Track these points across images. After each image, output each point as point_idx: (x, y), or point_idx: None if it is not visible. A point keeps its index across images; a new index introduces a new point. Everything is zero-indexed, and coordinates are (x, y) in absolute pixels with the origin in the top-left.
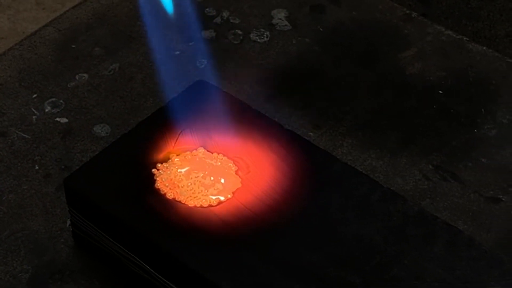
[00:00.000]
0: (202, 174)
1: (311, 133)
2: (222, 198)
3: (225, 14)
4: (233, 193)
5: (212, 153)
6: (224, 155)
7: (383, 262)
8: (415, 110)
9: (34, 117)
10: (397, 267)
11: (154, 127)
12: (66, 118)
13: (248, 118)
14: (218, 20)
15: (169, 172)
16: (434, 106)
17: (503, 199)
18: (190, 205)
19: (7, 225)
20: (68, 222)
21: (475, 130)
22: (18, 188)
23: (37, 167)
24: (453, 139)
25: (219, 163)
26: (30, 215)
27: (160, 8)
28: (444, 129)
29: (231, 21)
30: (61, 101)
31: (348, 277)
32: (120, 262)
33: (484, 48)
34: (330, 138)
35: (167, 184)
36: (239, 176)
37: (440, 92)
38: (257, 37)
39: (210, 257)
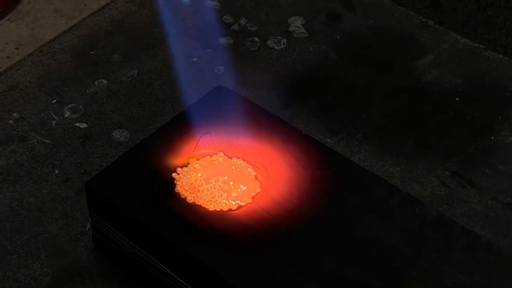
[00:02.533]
0: (222, 179)
1: (328, 140)
2: (241, 203)
3: (243, 21)
4: (252, 197)
5: (231, 158)
6: (243, 160)
7: (402, 265)
8: (432, 117)
9: (53, 122)
10: (416, 270)
11: (174, 132)
12: (86, 123)
13: (267, 123)
14: (235, 27)
15: (189, 176)
16: (451, 113)
17: None
18: (210, 209)
19: (27, 228)
20: (88, 225)
21: (492, 137)
22: (38, 192)
23: (57, 172)
24: (470, 146)
25: (239, 168)
26: (50, 218)
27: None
28: (461, 135)
29: (249, 28)
30: (81, 106)
31: (366, 280)
32: (140, 266)
33: (501, 56)
34: (347, 145)
35: (187, 188)
36: (258, 181)
37: (457, 99)
38: (274, 44)
39: (230, 260)
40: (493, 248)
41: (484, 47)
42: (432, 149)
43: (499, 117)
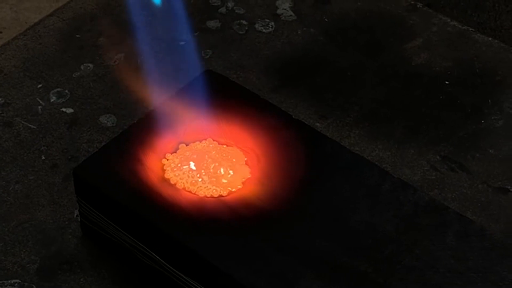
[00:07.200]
0: (212, 165)
1: (317, 124)
2: (232, 189)
3: (230, 4)
4: (243, 183)
5: (221, 143)
6: (233, 145)
7: (395, 251)
8: (422, 101)
9: (39, 107)
10: (409, 256)
11: (162, 117)
12: (72, 108)
13: (257, 108)
14: (223, 10)
15: (178, 162)
16: (441, 97)
17: (511, 190)
18: (200, 195)
19: (14, 215)
20: (76, 212)
21: (482, 121)
22: (25, 178)
23: (43, 157)
24: (460, 130)
25: (229, 154)
26: (37, 205)
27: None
28: (451, 119)
29: (236, 11)
30: (66, 91)
31: (360, 266)
32: (129, 252)
33: (490, 39)
34: (337, 129)
35: (176, 174)
36: (249, 166)
37: (447, 82)
38: (262, 28)
39: (220, 247)
40: (486, 234)
41: (473, 29)
42: (422, 133)
43: (489, 101)
